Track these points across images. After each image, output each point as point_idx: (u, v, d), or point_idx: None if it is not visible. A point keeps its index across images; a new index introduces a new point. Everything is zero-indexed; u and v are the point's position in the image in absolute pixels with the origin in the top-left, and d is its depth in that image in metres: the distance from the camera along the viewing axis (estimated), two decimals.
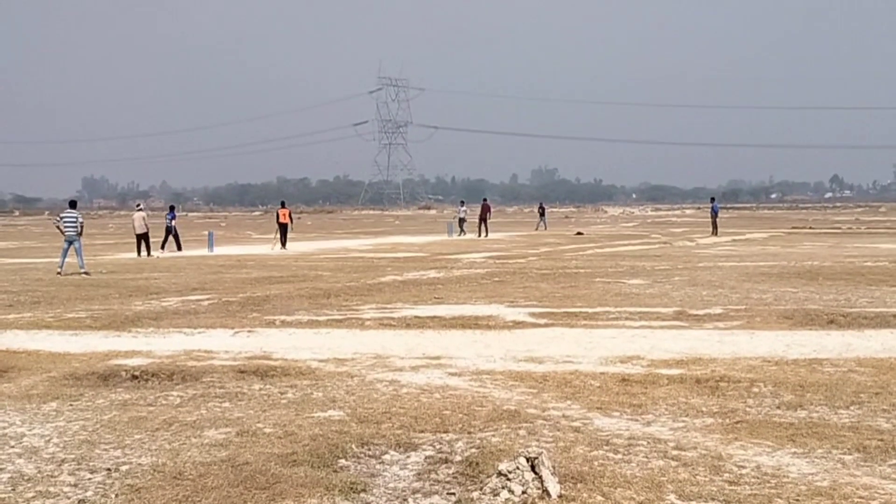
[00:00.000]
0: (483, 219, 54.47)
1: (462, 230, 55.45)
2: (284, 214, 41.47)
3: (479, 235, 52.03)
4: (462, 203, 61.77)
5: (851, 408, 8.64)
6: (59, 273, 25.64)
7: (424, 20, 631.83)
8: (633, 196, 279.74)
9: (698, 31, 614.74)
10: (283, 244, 40.90)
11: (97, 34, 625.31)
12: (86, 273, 25.60)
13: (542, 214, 67.53)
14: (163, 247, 37.98)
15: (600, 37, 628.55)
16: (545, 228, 63.65)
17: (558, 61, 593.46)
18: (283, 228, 41.25)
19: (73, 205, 29.14)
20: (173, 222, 39.18)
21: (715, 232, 51.25)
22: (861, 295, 18.04)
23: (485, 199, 60.23)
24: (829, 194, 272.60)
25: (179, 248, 38.53)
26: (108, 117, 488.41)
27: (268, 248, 40.80)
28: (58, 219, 28.59)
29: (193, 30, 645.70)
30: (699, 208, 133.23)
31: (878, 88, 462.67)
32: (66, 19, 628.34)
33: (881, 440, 7.45)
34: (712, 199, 57.07)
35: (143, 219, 36.73)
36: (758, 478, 6.51)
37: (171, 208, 41.12)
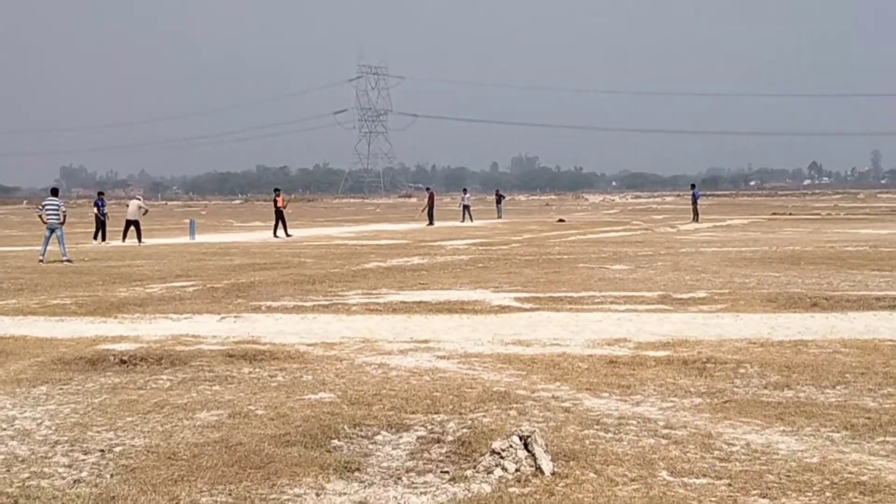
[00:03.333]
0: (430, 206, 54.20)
1: (468, 216, 55.81)
2: (281, 201, 41.06)
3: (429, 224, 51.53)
4: (465, 191, 61.90)
5: (838, 387, 8.73)
6: (41, 261, 25.54)
7: (404, 8, 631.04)
8: (614, 184, 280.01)
9: (677, 18, 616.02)
10: (286, 231, 40.24)
11: (75, 22, 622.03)
12: (68, 261, 25.51)
13: (498, 202, 66.61)
14: (98, 237, 36.52)
15: (580, 24, 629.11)
16: (499, 217, 62.12)
17: (539, 49, 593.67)
18: (280, 214, 40.69)
19: (54, 192, 29.05)
20: (104, 209, 37.50)
21: (696, 218, 51.50)
22: (843, 279, 18.18)
23: (428, 188, 60.89)
24: (807, 181, 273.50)
25: (103, 239, 36.61)
26: (85, 106, 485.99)
27: (264, 235, 40.67)
28: (40, 207, 28.46)
29: (172, 18, 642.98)
30: (679, 195, 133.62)
31: (856, 75, 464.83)
32: (42, 7, 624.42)
33: (868, 418, 7.54)
34: (693, 186, 57.46)
35: (139, 207, 36.84)
36: (748, 455, 6.58)
37: (100, 195, 39.49)
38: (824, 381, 8.99)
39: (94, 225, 37.37)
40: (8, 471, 6.43)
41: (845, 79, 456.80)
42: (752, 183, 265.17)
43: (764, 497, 5.72)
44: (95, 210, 37.74)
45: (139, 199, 38.16)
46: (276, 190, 43.04)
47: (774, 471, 6.20)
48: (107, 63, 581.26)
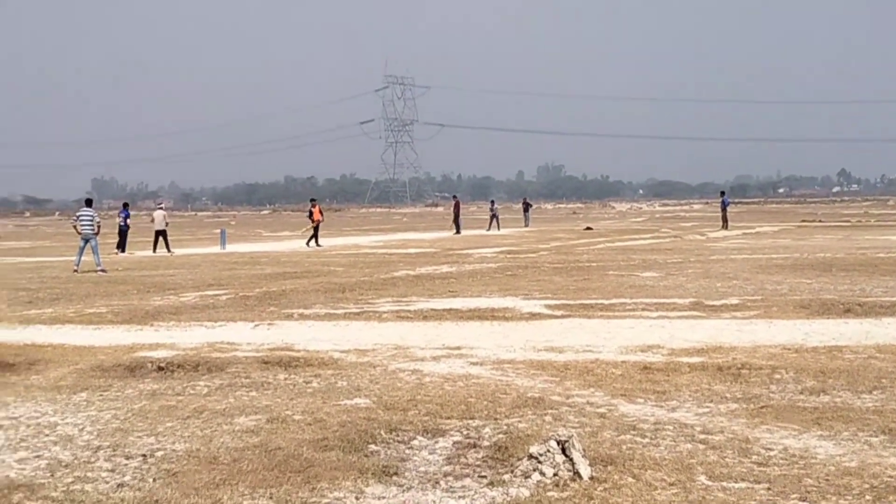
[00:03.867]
0: (456, 214, 54.34)
1: (496, 224, 56.07)
2: (318, 211, 41.20)
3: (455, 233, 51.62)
4: (493, 203, 62.17)
5: (874, 392, 8.71)
6: (75, 271, 25.77)
7: (430, 18, 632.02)
8: (640, 192, 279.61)
9: (705, 25, 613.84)
10: (317, 241, 40.17)
11: (105, 35, 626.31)
12: (102, 270, 25.72)
13: (525, 210, 66.56)
14: (120, 248, 36.13)
15: (607, 33, 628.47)
16: (526, 225, 62.41)
17: (564, 58, 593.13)
18: (317, 225, 40.79)
19: (88, 203, 29.32)
20: (127, 221, 37.37)
21: (725, 225, 51.24)
22: (875, 285, 18.09)
23: (455, 196, 61.04)
24: (836, 188, 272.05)
25: (122, 250, 36.17)
26: (116, 118, 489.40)
27: (293, 245, 40.84)
28: (74, 218, 28.72)
29: (200, 30, 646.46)
30: (707, 203, 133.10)
31: (886, 81, 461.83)
32: (72, 20, 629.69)
33: None
34: (722, 193, 57.01)
35: (164, 216, 37.03)
36: (786, 459, 6.59)
37: (125, 206, 39.29)
38: (860, 386, 8.97)
39: (118, 236, 37.09)
40: (52, 476, 6.52)
41: (874, 85, 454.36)
42: (781, 190, 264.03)
43: (803, 501, 5.72)
44: (119, 220, 37.56)
45: (164, 210, 38.34)
46: (313, 200, 43.22)
47: (813, 475, 6.21)
48: (137, 75, 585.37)
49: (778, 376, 9.49)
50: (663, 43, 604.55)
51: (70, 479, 6.40)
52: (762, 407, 8.21)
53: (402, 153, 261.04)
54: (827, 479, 6.10)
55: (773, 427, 7.50)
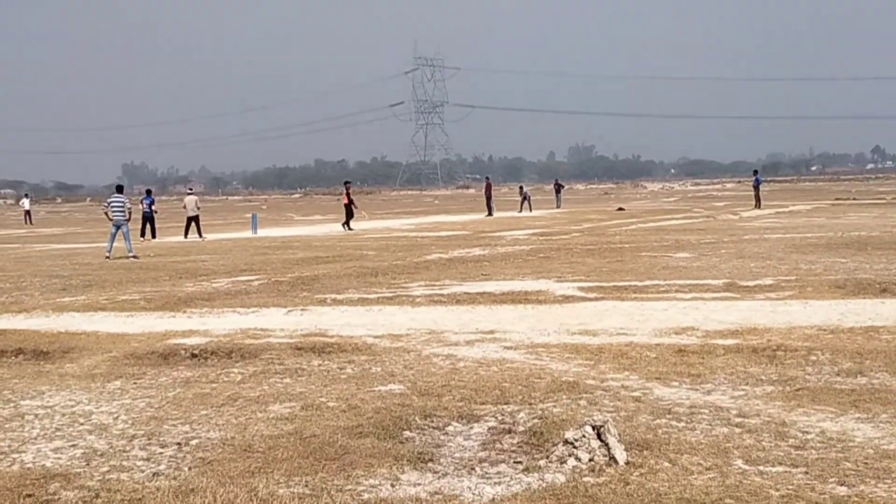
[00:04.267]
0: (488, 196, 54.36)
1: (528, 206, 56.68)
2: (345, 195, 41.31)
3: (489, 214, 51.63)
4: (521, 188, 62.38)
5: None
6: (107, 257, 25.93)
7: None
8: (672, 171, 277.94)
9: (736, 2, 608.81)
10: (348, 225, 40.16)
11: (135, 21, 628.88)
12: (134, 257, 25.87)
13: (557, 192, 66.34)
14: (143, 234, 35.86)
15: (636, 11, 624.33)
16: (558, 206, 62.17)
17: (594, 37, 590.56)
18: (347, 208, 40.94)
19: (119, 190, 29.48)
20: (152, 207, 37.34)
21: (758, 205, 50.94)
22: None
23: (487, 178, 61.30)
24: (870, 165, 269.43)
25: (154, 236, 36.60)
26: (146, 103, 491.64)
27: (325, 228, 41.01)
28: (105, 204, 28.90)
29: (230, 15, 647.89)
30: (739, 182, 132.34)
31: None
32: (105, 7, 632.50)
33: None
34: (755, 172, 56.66)
35: (196, 202, 37.17)
36: (823, 442, 6.52)
37: (148, 192, 39.18)
38: None
39: (141, 222, 36.53)
40: (88, 464, 6.55)
41: None
42: (814, 168, 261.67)
43: (842, 485, 5.66)
44: (141, 206, 36.92)
45: (195, 195, 38.52)
46: (346, 183, 43.37)
47: (851, 458, 6.14)
48: (167, 60, 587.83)
49: (814, 358, 9.40)
50: (694, 21, 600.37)
51: (106, 468, 6.43)
52: (798, 389, 8.13)
53: (433, 135, 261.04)
54: (865, 463, 6.03)
55: (810, 410, 7.43)
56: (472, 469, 6.26)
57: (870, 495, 5.46)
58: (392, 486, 5.92)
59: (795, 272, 17.05)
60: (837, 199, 63.18)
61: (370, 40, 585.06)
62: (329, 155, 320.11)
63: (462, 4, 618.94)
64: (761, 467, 6.02)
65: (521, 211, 55.30)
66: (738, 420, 7.18)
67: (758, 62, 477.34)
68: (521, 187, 65.00)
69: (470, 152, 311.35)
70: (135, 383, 9.20)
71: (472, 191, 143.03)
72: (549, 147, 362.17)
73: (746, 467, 6.03)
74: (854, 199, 62.21)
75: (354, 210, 41.02)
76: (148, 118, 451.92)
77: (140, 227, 35.91)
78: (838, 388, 8.16)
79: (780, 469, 5.98)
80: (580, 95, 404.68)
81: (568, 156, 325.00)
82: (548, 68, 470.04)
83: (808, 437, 6.68)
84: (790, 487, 5.63)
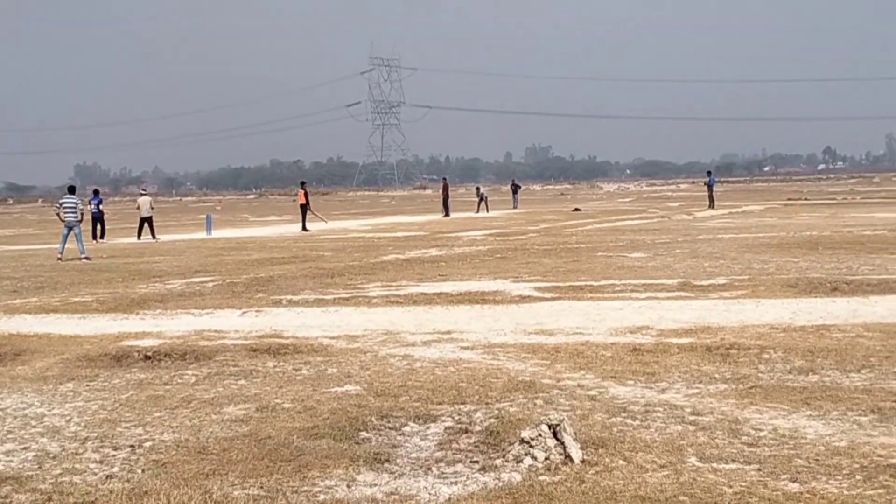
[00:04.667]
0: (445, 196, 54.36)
1: (485, 207, 56.75)
2: (302, 195, 41.02)
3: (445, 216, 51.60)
4: (478, 188, 62.53)
5: (863, 371, 8.72)
6: (59, 259, 25.66)
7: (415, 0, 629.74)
8: (628, 172, 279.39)
9: (690, 4, 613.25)
10: (304, 226, 39.97)
11: (86, 20, 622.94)
12: (86, 258, 25.62)
13: (514, 192, 66.34)
14: (95, 237, 35.26)
15: (592, 13, 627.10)
16: (515, 207, 62.25)
17: (551, 38, 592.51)
18: (303, 209, 40.65)
19: (72, 191, 29.22)
20: (100, 207, 36.90)
21: (712, 205, 51.37)
22: (862, 263, 18.14)
23: (444, 178, 61.96)
24: (822, 166, 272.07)
25: (102, 237, 36.01)
26: (99, 104, 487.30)
27: (280, 230, 40.76)
28: (57, 206, 28.60)
29: (184, 14, 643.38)
30: (694, 182, 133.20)
31: (870, 59, 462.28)
32: (55, 5, 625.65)
33: (895, 401, 7.53)
34: (709, 173, 57.19)
35: (150, 203, 36.88)
36: (776, 440, 6.59)
37: (96, 193, 38.88)
38: (849, 365, 8.98)
39: (91, 223, 35.75)
40: (40, 467, 6.48)
41: (859, 63, 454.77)
42: (767, 168, 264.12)
43: (794, 481, 5.72)
44: (89, 207, 35.84)
45: (149, 196, 38.25)
46: (302, 183, 43.18)
47: (803, 455, 6.21)
48: (120, 60, 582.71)
49: (766, 356, 9.50)
50: (648, 23, 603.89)
51: (58, 471, 6.36)
52: (751, 387, 8.21)
53: (390, 136, 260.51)
54: (817, 460, 6.10)
55: (763, 407, 7.51)
56: (429, 469, 6.26)
57: (821, 492, 5.52)
58: (348, 486, 5.90)
59: (748, 272, 17.21)
60: (789, 199, 63.82)
61: (326, 40, 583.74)
62: (285, 155, 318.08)
63: (419, 5, 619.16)
64: (715, 464, 6.07)
65: (477, 211, 55.37)
66: (692, 418, 7.23)
67: (712, 64, 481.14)
68: (477, 188, 65.10)
69: (427, 153, 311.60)
70: (87, 385, 9.11)
71: (429, 191, 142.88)
72: (506, 148, 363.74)
73: (700, 464, 6.08)
74: (806, 199, 62.89)
75: (310, 213, 40.75)
76: (100, 118, 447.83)
77: (91, 228, 35.41)
78: (790, 385, 8.25)
79: (734, 466, 6.03)
80: (537, 96, 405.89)
81: (525, 156, 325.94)
82: (505, 69, 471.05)
83: (761, 434, 6.74)
84: (743, 484, 5.68)
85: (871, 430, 6.79)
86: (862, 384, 8.22)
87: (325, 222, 41.10)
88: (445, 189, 55.40)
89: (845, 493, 5.49)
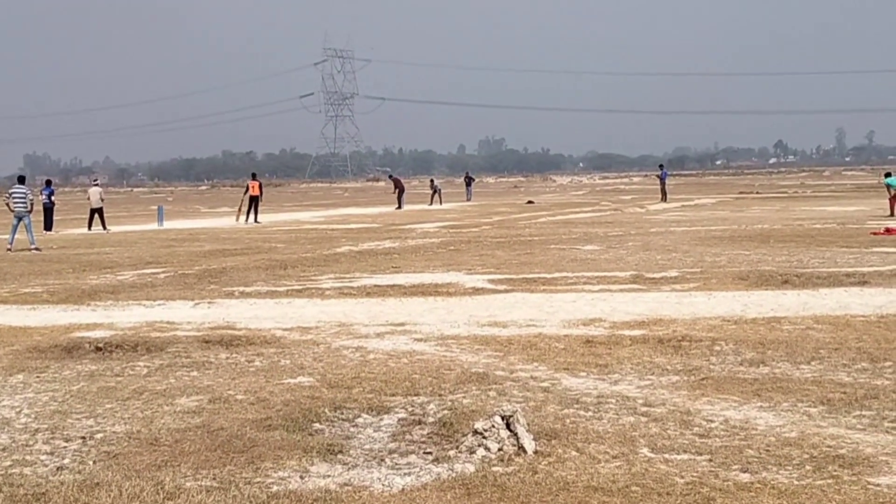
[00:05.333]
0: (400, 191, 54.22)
1: (438, 199, 56.35)
2: (255, 187, 40.51)
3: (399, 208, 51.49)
4: (432, 181, 62.42)
5: (812, 363, 8.83)
6: (9, 249, 25.34)
7: None
8: (581, 165, 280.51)
9: None
10: (256, 217, 39.53)
11: (35, 7, 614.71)
12: (36, 249, 25.32)
13: (468, 185, 66.40)
14: (48, 228, 34.87)
15: (545, 5, 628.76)
16: (469, 199, 62.11)
17: (504, 30, 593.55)
18: (255, 201, 40.29)
19: (21, 180, 28.83)
20: (52, 198, 36.62)
21: (664, 198, 51.73)
22: (812, 256, 18.37)
23: (391, 176, 62.18)
24: (773, 160, 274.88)
25: (50, 228, 35.05)
26: (49, 93, 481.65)
27: (232, 220, 40.34)
28: (6, 195, 28.22)
29: (134, 2, 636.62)
30: (646, 175, 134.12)
31: (820, 53, 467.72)
32: None
33: (844, 393, 7.64)
34: (661, 167, 57.75)
35: (100, 193, 36.50)
36: (727, 430, 6.66)
37: (48, 183, 38.74)
38: (799, 357, 9.09)
39: (44, 214, 35.43)
40: None
41: (809, 57, 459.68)
42: (719, 162, 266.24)
43: (745, 472, 5.78)
44: (42, 198, 35.87)
45: (100, 186, 37.87)
46: (253, 175, 42.78)
47: (754, 446, 6.28)
48: (69, 48, 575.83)
49: (718, 348, 9.59)
50: (602, 17, 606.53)
51: (8, 463, 6.29)
52: (703, 379, 8.29)
53: (343, 127, 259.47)
54: (767, 450, 6.17)
55: (714, 399, 7.58)
56: (382, 460, 6.25)
57: (771, 482, 5.58)
58: (301, 478, 5.89)
59: (700, 264, 17.36)
60: (741, 192, 64.50)
61: (279, 31, 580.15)
62: (237, 146, 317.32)
63: None
64: (667, 455, 6.13)
65: (431, 204, 55.35)
66: (644, 409, 7.29)
67: (663, 58, 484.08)
68: (431, 180, 65.06)
69: (380, 145, 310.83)
70: (38, 377, 9.00)
71: (382, 183, 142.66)
72: (460, 140, 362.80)
73: (652, 455, 6.13)
74: (757, 192, 63.60)
75: (253, 205, 40.06)
76: (50, 107, 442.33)
77: (43, 218, 35.00)
78: (741, 377, 8.33)
79: (685, 457, 6.09)
80: (490, 89, 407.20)
81: (478, 149, 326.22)
82: (458, 62, 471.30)
83: (712, 425, 6.81)
84: (695, 475, 5.73)
85: (821, 421, 6.88)
86: (812, 376, 8.32)
87: (237, 220, 40.17)
88: (398, 183, 55.08)
89: (795, 483, 5.56)
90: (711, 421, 6.91)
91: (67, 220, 40.10)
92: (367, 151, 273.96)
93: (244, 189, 41.35)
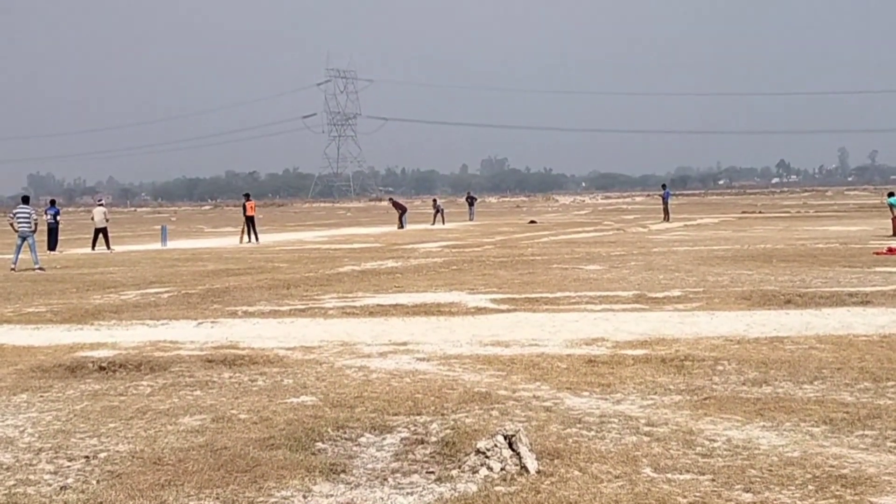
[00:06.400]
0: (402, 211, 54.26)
1: (441, 219, 56.68)
2: (251, 207, 40.69)
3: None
4: (435, 200, 62.50)
5: (815, 383, 8.83)
6: (13, 269, 25.38)
7: (373, 11, 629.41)
8: (583, 185, 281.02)
9: (644, 19, 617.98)
10: (254, 237, 39.64)
11: (39, 28, 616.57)
12: (40, 269, 25.37)
13: (470, 204, 66.35)
14: (52, 248, 34.92)
15: (548, 25, 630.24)
16: (471, 219, 62.22)
17: (506, 51, 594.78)
18: (251, 221, 40.42)
19: (25, 201, 28.91)
20: (57, 218, 36.42)
21: (667, 218, 51.74)
22: (815, 275, 18.36)
23: (391, 198, 64.11)
24: (775, 179, 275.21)
25: (54, 248, 35.07)
26: (53, 113, 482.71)
27: (235, 241, 40.35)
28: (11, 216, 28.29)
29: (138, 24, 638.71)
30: (649, 195, 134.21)
31: (824, 73, 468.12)
32: (5, 13, 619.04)
33: (846, 412, 7.64)
34: (664, 186, 57.75)
35: (104, 213, 36.55)
36: (730, 450, 6.66)
37: (52, 203, 38.71)
38: (802, 376, 9.09)
39: (48, 233, 35.24)
40: None
41: (812, 77, 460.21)
42: (721, 182, 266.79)
43: (747, 491, 5.78)
44: (47, 218, 35.72)
45: (104, 206, 37.96)
46: (247, 195, 42.88)
47: (757, 465, 6.28)
48: (73, 69, 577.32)
49: (720, 368, 9.59)
50: (604, 36, 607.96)
51: (12, 482, 6.30)
52: (705, 398, 8.29)
53: (346, 147, 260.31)
54: (770, 470, 6.17)
55: (717, 418, 7.58)
56: (385, 480, 6.26)
57: (774, 502, 5.59)
58: (304, 497, 5.90)
59: (703, 284, 17.36)
60: (744, 212, 64.47)
61: (283, 52, 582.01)
62: (240, 166, 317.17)
63: (376, 17, 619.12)
64: (669, 475, 6.13)
65: (433, 223, 55.40)
66: (646, 429, 7.29)
67: (667, 78, 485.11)
68: (434, 200, 65.17)
69: (383, 165, 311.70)
70: (41, 396, 9.02)
71: (384, 203, 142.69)
72: (462, 160, 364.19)
73: (655, 475, 6.13)
74: (760, 212, 63.55)
75: (251, 225, 40.14)
76: (54, 128, 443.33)
77: (47, 238, 34.89)
78: (744, 397, 8.33)
79: (688, 476, 6.09)
80: (493, 108, 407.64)
81: (480, 169, 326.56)
82: (461, 81, 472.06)
83: (715, 445, 6.81)
84: (697, 494, 5.73)
85: (824, 440, 6.88)
86: (814, 395, 8.32)
87: (240, 241, 40.21)
88: (399, 205, 55.12)
89: (798, 503, 5.57)
90: (714, 441, 6.92)
91: (71, 239, 40.19)
92: (370, 171, 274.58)
93: (242, 210, 41.42)
